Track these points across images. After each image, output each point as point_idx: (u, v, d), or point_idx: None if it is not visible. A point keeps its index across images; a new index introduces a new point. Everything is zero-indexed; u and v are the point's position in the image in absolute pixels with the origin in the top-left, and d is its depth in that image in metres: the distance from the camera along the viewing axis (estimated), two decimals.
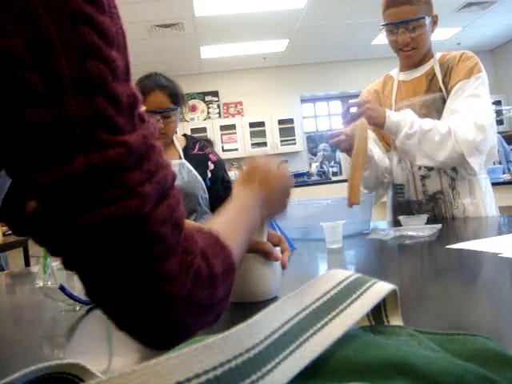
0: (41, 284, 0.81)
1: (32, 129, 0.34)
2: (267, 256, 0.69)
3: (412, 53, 1.50)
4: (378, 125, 1.40)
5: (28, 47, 0.33)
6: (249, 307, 0.68)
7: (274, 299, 0.71)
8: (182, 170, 1.70)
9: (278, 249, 0.72)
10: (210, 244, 0.47)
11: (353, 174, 1.30)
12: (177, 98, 1.63)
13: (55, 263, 0.86)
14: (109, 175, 0.36)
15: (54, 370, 0.29)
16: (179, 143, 1.77)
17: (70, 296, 0.76)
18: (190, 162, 1.74)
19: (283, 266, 0.72)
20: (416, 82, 1.56)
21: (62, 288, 0.75)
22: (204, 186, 1.73)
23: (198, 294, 0.42)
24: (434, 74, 1.51)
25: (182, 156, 1.74)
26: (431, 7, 1.47)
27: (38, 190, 0.36)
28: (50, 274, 0.81)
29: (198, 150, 1.79)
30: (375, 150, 1.61)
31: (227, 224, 0.53)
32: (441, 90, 1.49)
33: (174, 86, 1.64)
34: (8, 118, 0.34)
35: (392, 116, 1.39)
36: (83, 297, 0.79)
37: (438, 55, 1.55)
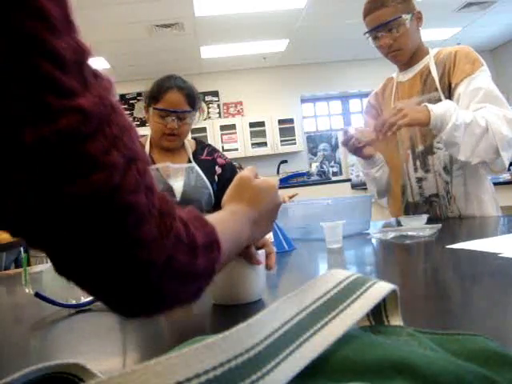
0: (27, 291, 0.83)
1: None
2: (250, 259, 0.68)
3: (397, 53, 1.50)
4: (423, 123, 1.32)
5: None
6: (249, 308, 0.68)
7: (257, 302, 0.70)
8: (191, 175, 1.64)
9: (262, 252, 0.71)
10: (191, 218, 0.45)
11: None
12: (194, 100, 1.59)
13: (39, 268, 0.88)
14: (65, 148, 0.31)
15: (54, 370, 0.29)
16: (190, 147, 1.74)
17: (48, 301, 0.75)
18: None
19: (269, 268, 0.71)
20: (411, 82, 1.55)
21: (37, 295, 0.74)
22: (211, 192, 1.68)
23: (178, 257, 0.40)
24: (429, 72, 1.50)
25: (192, 159, 1.70)
26: (410, 4, 1.46)
27: None
28: (28, 281, 0.84)
29: (206, 155, 1.75)
30: None
31: (218, 222, 0.49)
32: (436, 90, 1.47)
33: (192, 89, 1.60)
34: None
35: (435, 109, 1.30)
36: (71, 301, 0.79)
37: (434, 51, 1.53)
